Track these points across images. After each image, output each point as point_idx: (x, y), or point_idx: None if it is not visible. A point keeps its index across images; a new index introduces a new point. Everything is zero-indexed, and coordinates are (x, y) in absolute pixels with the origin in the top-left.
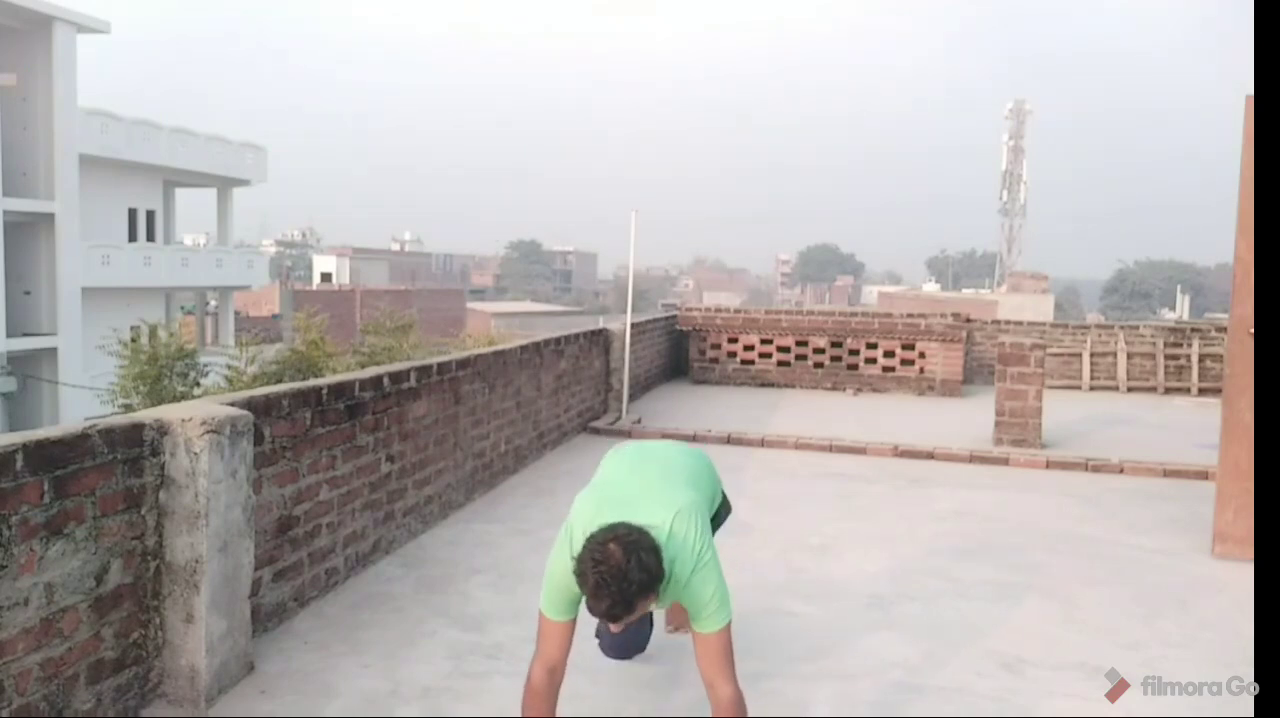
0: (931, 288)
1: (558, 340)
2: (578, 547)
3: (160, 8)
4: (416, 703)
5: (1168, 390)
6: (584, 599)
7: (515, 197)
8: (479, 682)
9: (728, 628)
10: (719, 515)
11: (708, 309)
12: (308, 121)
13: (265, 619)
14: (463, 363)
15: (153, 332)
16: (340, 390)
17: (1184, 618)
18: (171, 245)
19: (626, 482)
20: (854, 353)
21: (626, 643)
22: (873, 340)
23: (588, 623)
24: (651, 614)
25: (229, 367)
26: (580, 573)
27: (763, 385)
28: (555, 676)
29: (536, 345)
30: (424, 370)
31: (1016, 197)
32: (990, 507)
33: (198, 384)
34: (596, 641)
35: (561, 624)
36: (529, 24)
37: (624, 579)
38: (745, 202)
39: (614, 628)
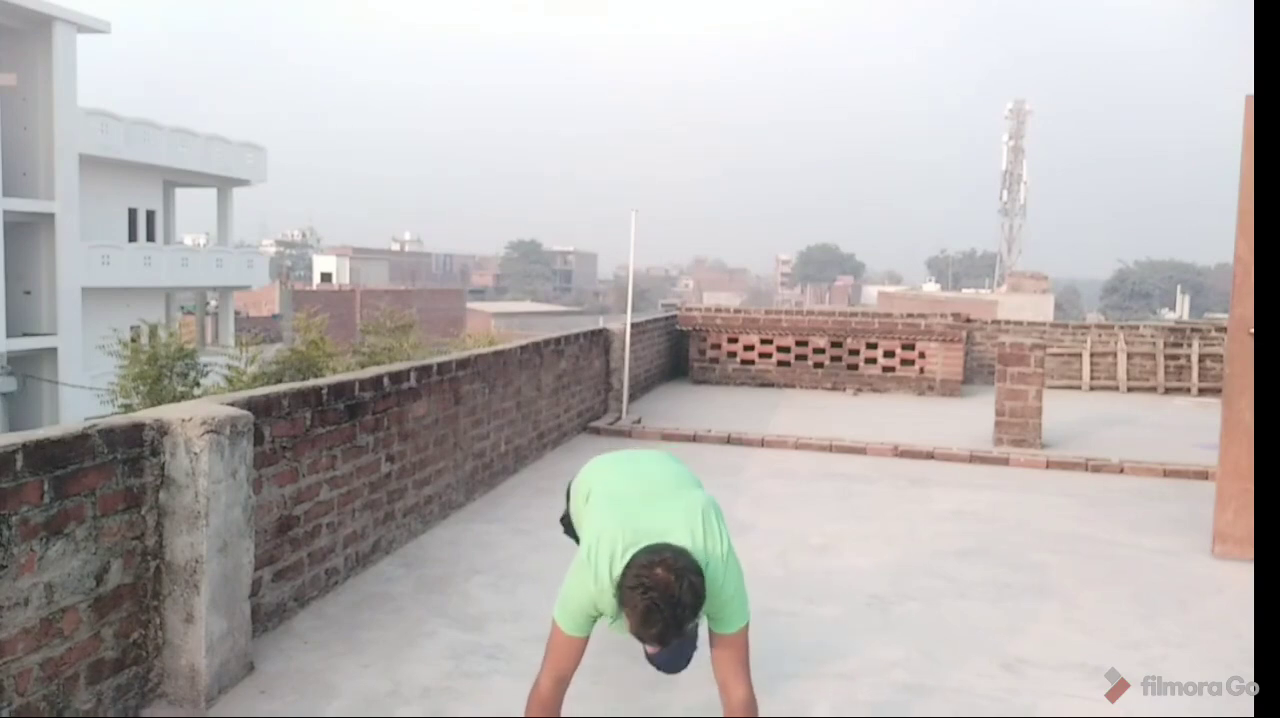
0: (931, 288)
1: (558, 340)
2: (603, 568)
3: (160, 7)
4: (416, 703)
5: (1168, 390)
6: (625, 622)
7: (515, 196)
8: (479, 682)
9: (746, 628)
10: None
11: (708, 309)
12: (308, 121)
13: (265, 619)
14: (463, 363)
15: (153, 332)
16: (340, 390)
17: (1184, 618)
18: (171, 245)
19: (640, 495)
20: (854, 353)
21: (676, 658)
22: (873, 340)
23: (597, 633)
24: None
25: (229, 367)
26: (627, 600)
27: (763, 385)
28: (562, 686)
29: (536, 345)
30: (424, 370)
31: (1016, 197)
32: (990, 507)
33: (198, 384)
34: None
35: (576, 640)
36: (530, 24)
37: (676, 604)
38: (745, 202)
39: (650, 649)
